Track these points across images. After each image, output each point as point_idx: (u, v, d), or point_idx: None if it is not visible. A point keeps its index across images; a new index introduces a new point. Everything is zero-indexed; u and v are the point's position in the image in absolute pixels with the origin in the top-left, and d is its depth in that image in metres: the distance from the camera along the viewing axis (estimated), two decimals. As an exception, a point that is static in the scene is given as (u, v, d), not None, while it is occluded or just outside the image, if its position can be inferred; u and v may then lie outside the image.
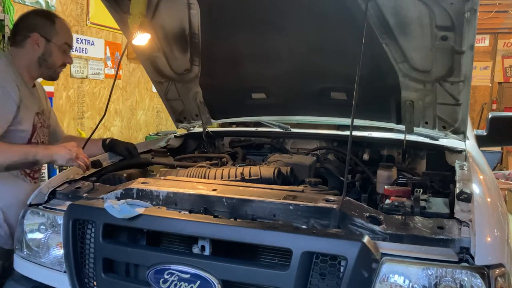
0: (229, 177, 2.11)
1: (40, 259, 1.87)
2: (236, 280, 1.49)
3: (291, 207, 1.56)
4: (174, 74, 2.74)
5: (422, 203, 1.62)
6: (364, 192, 2.14)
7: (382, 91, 2.35)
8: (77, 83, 5.52)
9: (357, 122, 2.60)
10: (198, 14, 2.37)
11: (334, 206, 1.53)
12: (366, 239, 1.38)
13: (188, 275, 1.51)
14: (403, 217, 1.50)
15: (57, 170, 2.08)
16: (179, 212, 1.67)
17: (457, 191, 1.61)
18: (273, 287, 1.45)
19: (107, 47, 5.99)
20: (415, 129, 2.42)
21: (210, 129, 2.98)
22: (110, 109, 6.12)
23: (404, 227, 1.45)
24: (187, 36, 2.49)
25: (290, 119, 2.92)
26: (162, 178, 2.04)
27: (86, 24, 5.56)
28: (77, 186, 1.99)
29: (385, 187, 1.85)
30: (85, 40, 5.57)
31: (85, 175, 2.12)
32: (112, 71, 6.05)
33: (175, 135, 2.99)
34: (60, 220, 1.81)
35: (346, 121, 2.70)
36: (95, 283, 1.70)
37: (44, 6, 4.85)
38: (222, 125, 3.34)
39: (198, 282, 1.49)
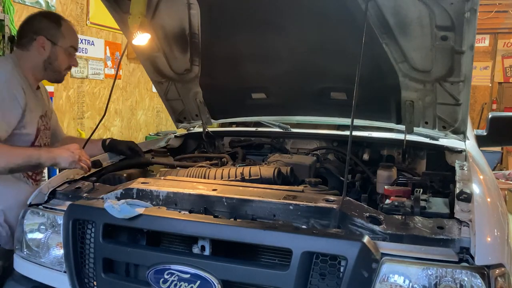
0: (229, 177, 2.11)
1: (40, 259, 1.87)
2: (236, 280, 1.49)
3: (291, 207, 1.56)
4: (174, 74, 2.74)
5: (422, 203, 1.62)
6: (364, 192, 2.14)
7: (382, 91, 2.35)
8: (77, 83, 5.52)
9: (357, 122, 2.60)
10: (198, 14, 2.37)
11: (334, 206, 1.52)
12: (366, 239, 1.38)
13: (188, 275, 1.51)
14: (403, 217, 1.50)
15: (57, 170, 2.08)
16: (179, 212, 1.67)
17: (457, 191, 1.61)
18: (273, 287, 1.45)
19: (107, 47, 5.99)
20: (415, 129, 2.42)
21: (210, 129, 2.98)
22: (110, 109, 6.13)
23: (404, 227, 1.45)
24: (187, 36, 2.49)
25: (290, 119, 2.92)
26: (162, 178, 2.04)
27: (86, 24, 5.56)
28: (77, 186, 1.99)
29: (385, 187, 1.85)
30: (85, 40, 5.57)
31: (85, 175, 2.12)
32: (112, 71, 6.05)
33: (175, 135, 2.99)
34: (60, 220, 1.81)
35: (346, 121, 2.70)
36: (95, 283, 1.70)
37: (44, 6, 4.85)
38: (222, 125, 3.34)
39: (198, 282, 1.49)
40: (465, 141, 2.30)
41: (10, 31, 3.96)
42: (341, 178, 2.29)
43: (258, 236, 1.46)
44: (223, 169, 2.17)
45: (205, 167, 2.27)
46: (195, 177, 2.14)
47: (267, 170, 2.11)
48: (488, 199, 1.64)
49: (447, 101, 2.18)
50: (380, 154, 2.61)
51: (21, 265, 1.92)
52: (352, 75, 1.76)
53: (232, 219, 1.58)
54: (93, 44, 5.73)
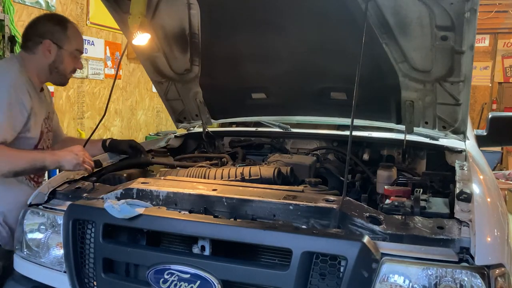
0: (229, 177, 2.11)
1: (40, 259, 1.87)
2: (236, 280, 1.49)
3: (291, 207, 1.56)
4: (174, 74, 2.74)
5: (422, 203, 1.62)
6: (364, 192, 2.14)
7: (382, 91, 2.35)
8: (77, 83, 5.53)
9: (357, 122, 2.60)
10: (198, 14, 2.37)
11: (334, 206, 1.53)
12: (366, 239, 1.38)
13: (188, 275, 1.51)
14: (403, 217, 1.50)
15: (57, 170, 2.08)
16: (179, 212, 1.67)
17: (457, 191, 1.61)
18: (273, 287, 1.45)
19: (107, 47, 5.99)
20: (415, 129, 2.42)
21: (210, 129, 2.98)
22: (110, 109, 6.13)
23: (404, 227, 1.45)
24: (187, 36, 2.49)
25: (290, 119, 2.92)
26: (162, 178, 2.04)
27: (86, 24, 5.56)
28: (77, 186, 1.99)
29: (385, 187, 1.85)
30: (85, 40, 5.55)
31: (85, 175, 2.12)
32: (112, 71, 6.05)
33: (175, 135, 2.99)
34: (60, 220, 1.81)
35: (346, 121, 2.70)
36: (95, 283, 1.70)
37: (44, 6, 4.85)
38: (222, 125, 3.34)
39: (198, 282, 1.49)
40: (465, 141, 2.30)
41: (10, 31, 3.96)
42: (341, 178, 2.29)
43: (258, 236, 1.46)
44: (223, 169, 2.17)
45: (205, 167, 2.27)
46: (195, 177, 2.14)
47: (267, 170, 2.11)
48: (488, 199, 1.64)
49: (447, 101, 2.18)
50: (380, 154, 2.61)
51: (21, 265, 1.92)
52: (352, 75, 1.76)
53: (232, 219, 1.58)
54: (93, 44, 5.73)
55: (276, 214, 1.58)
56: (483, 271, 1.29)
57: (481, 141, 2.76)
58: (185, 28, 2.45)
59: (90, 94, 5.74)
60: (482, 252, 1.33)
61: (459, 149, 2.26)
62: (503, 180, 6.50)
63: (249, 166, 2.18)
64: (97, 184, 2.00)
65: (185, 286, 1.51)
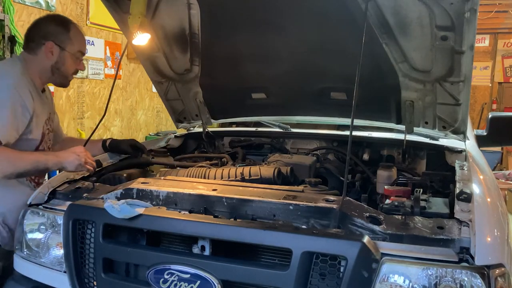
0: (229, 177, 2.11)
1: (40, 259, 1.87)
2: (236, 280, 1.49)
3: (291, 207, 1.56)
4: (174, 74, 2.74)
5: (422, 203, 1.62)
6: (364, 192, 2.14)
7: (382, 91, 2.35)
8: (77, 83, 5.52)
9: (357, 122, 2.60)
10: (198, 14, 2.37)
11: (334, 206, 1.53)
12: (366, 239, 1.38)
13: (188, 275, 1.51)
14: (403, 217, 1.50)
15: (57, 171, 2.08)
16: (179, 212, 1.67)
17: (457, 191, 1.61)
18: (273, 287, 1.45)
19: (107, 47, 5.99)
20: (415, 129, 2.42)
21: (210, 129, 2.98)
22: (110, 109, 6.13)
23: (404, 227, 1.45)
24: (187, 36, 2.49)
25: (290, 119, 2.92)
26: (162, 178, 2.04)
27: (86, 24, 5.56)
28: (77, 186, 1.99)
29: (385, 187, 1.85)
30: (85, 40, 5.56)
31: (85, 175, 2.12)
32: (112, 71, 6.06)
33: (175, 135, 2.99)
34: (60, 220, 1.81)
35: (346, 121, 2.70)
36: (95, 283, 1.70)
37: (44, 6, 4.85)
38: (222, 125, 3.34)
39: (198, 282, 1.49)
40: (465, 141, 2.30)
41: (10, 31, 3.96)
42: (341, 178, 2.29)
43: (258, 236, 1.46)
44: (223, 169, 2.17)
45: (205, 167, 2.27)
46: (195, 177, 2.14)
47: (267, 170, 2.11)
48: (488, 199, 1.64)
49: (447, 101, 2.18)
50: (380, 154, 2.61)
51: (21, 265, 1.92)
52: (352, 75, 1.76)
53: (232, 219, 1.58)
54: (93, 44, 5.73)
55: (276, 214, 1.58)
56: (483, 271, 1.29)
57: (481, 141, 2.76)
58: (185, 28, 2.45)
59: (90, 94, 5.74)
60: (482, 252, 1.33)
61: (459, 149, 2.26)
62: (503, 180, 6.50)
63: (249, 166, 2.18)
64: (97, 184, 2.00)
65: (185, 286, 1.51)
